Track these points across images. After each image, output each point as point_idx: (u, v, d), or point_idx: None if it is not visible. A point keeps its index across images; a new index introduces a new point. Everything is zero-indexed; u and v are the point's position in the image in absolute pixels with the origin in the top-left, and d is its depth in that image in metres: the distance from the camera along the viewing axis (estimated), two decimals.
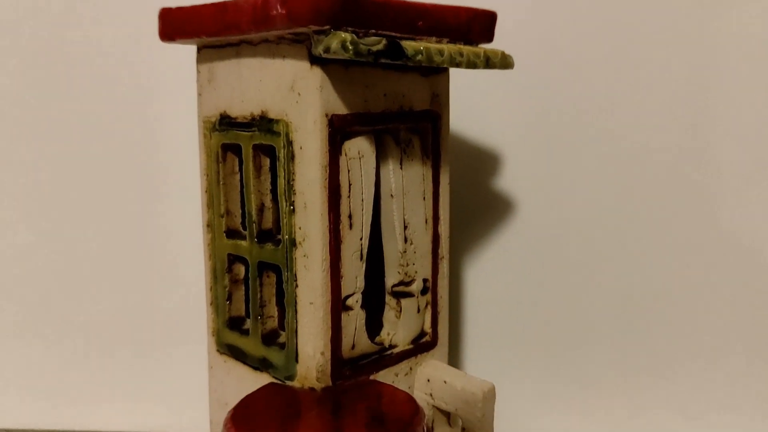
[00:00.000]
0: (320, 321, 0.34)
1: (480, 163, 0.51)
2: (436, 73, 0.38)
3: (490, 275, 0.52)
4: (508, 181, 0.51)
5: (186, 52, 0.40)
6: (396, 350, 0.38)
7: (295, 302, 0.35)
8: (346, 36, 0.30)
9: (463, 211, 0.51)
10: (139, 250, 0.52)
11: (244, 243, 0.38)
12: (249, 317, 0.39)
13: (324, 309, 0.34)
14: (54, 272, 0.53)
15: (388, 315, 0.39)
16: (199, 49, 0.38)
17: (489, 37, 0.38)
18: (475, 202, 0.51)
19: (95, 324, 0.54)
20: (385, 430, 0.31)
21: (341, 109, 0.33)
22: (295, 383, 0.35)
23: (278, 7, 0.30)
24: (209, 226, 0.40)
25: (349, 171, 0.34)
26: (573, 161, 0.50)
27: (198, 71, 0.39)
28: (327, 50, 0.30)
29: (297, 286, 0.35)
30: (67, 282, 0.53)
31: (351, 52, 0.30)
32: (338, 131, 0.34)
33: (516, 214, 0.51)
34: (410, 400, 0.34)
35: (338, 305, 0.35)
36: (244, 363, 0.38)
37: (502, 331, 0.52)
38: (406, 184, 0.37)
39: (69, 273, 0.53)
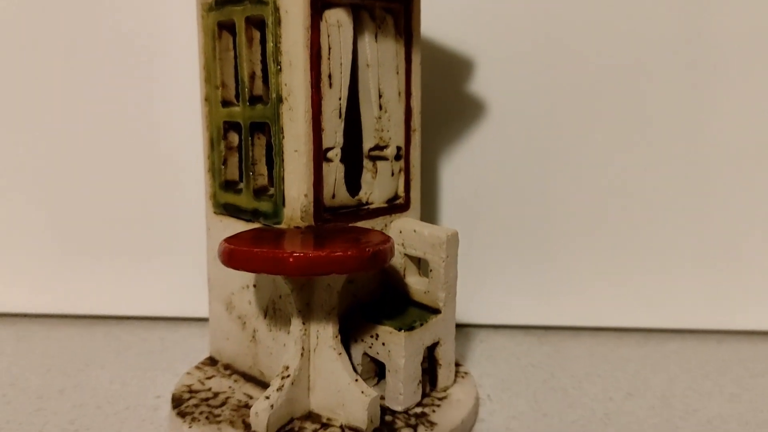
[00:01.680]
0: (304, 167, 0.39)
1: (457, 57, 0.56)
2: None
3: (466, 157, 0.56)
4: (484, 73, 0.56)
5: None
6: (372, 206, 0.44)
7: (282, 152, 0.40)
8: None
9: (441, 99, 0.55)
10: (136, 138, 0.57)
11: (237, 108, 0.43)
12: (242, 180, 0.44)
13: (307, 156, 0.39)
14: (55, 152, 0.58)
15: (366, 176, 0.44)
16: None
17: None
18: (453, 90, 0.56)
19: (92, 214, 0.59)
20: (360, 245, 0.36)
21: None
22: (282, 226, 0.40)
23: None
24: (207, 99, 0.45)
25: (329, 36, 0.39)
26: (548, 53, 0.55)
27: None
28: None
29: (283, 137, 0.40)
30: (65, 164, 0.58)
31: None
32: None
33: (491, 102, 0.56)
34: (383, 233, 0.39)
35: (319, 155, 0.40)
36: (238, 218, 0.43)
37: (475, 210, 0.57)
38: (381, 56, 0.42)
39: (67, 154, 0.58)
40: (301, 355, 0.39)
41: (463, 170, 0.56)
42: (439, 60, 0.55)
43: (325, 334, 0.39)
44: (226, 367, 0.46)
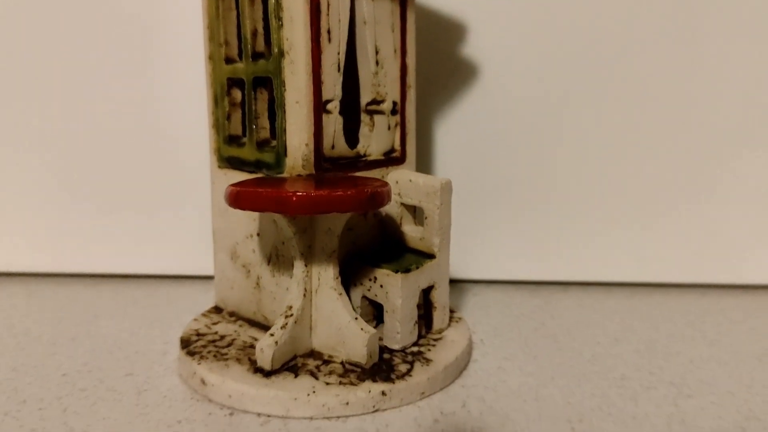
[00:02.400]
0: (304, 117, 0.41)
1: (451, 17, 0.58)
2: None
3: (459, 116, 0.59)
4: (477, 32, 0.58)
5: None
6: (370, 158, 0.46)
7: (284, 104, 0.42)
8: None
9: (436, 58, 0.57)
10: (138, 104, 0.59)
11: (240, 65, 0.45)
12: (245, 135, 0.46)
13: (308, 107, 0.41)
14: (61, 111, 0.60)
15: (363, 130, 0.46)
16: None
17: None
18: (447, 48, 0.58)
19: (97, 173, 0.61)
20: (359, 186, 0.38)
21: None
22: (285, 175, 0.42)
23: None
24: (211, 58, 0.47)
25: None
26: (542, 12, 0.57)
27: None
28: None
29: (285, 89, 0.42)
30: (71, 123, 0.60)
31: None
32: None
33: (485, 62, 0.58)
34: (381, 180, 0.41)
35: (319, 106, 0.42)
36: (242, 170, 0.45)
37: (468, 169, 0.59)
38: (377, 13, 0.44)
39: (72, 113, 0.59)
40: (304, 295, 0.41)
41: (456, 129, 0.58)
42: (434, 20, 0.57)
43: (326, 276, 0.41)
44: (231, 314, 0.48)
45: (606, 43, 0.57)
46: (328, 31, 0.42)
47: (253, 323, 0.47)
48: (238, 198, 0.37)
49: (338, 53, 0.42)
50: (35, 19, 0.58)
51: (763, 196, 0.58)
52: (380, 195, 0.38)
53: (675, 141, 0.58)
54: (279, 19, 0.41)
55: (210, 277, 0.60)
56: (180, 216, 0.60)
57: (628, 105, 0.57)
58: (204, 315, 0.48)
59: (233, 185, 0.39)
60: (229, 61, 0.46)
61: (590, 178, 0.59)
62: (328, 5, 0.41)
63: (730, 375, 0.44)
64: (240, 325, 0.46)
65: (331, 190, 0.36)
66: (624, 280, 0.61)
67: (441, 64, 0.58)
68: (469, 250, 0.60)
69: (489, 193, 0.59)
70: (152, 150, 0.60)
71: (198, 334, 0.45)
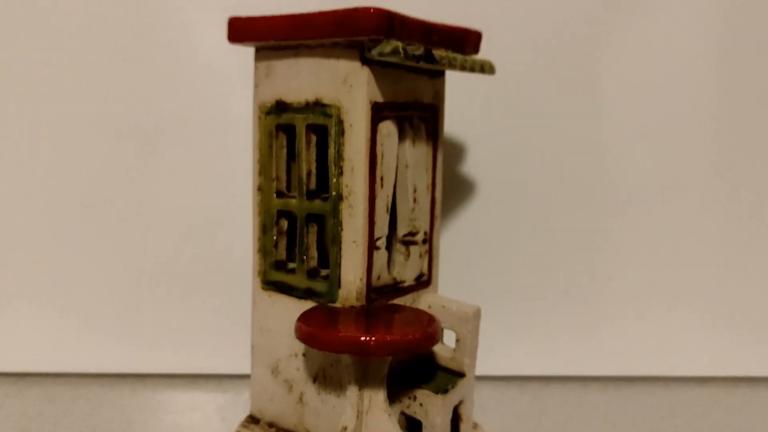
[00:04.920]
0: (360, 256, 0.46)
1: (462, 153, 0.64)
2: (438, 76, 0.51)
3: (465, 239, 0.65)
4: (480, 166, 0.64)
5: (239, 53, 0.52)
6: (404, 284, 0.51)
7: (340, 242, 0.46)
8: (398, 43, 0.42)
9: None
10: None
11: (293, 200, 0.49)
12: (290, 261, 0.50)
13: (363, 246, 0.46)
14: (107, 216, 0.62)
15: (399, 258, 0.51)
16: (257, 50, 0.50)
17: (477, 49, 0.51)
18: (458, 184, 0.64)
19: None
20: (422, 327, 0.43)
21: (379, 98, 0.46)
22: (337, 305, 0.47)
23: (351, 22, 0.42)
24: (260, 189, 0.51)
25: (382, 145, 0.46)
26: (529, 155, 0.64)
27: (256, 67, 0.50)
28: (382, 54, 0.42)
29: (342, 229, 0.46)
30: (115, 228, 0.62)
31: (401, 55, 0.42)
32: (376, 115, 0.46)
33: (488, 192, 0.64)
34: (426, 312, 0.47)
35: (372, 244, 0.47)
36: (290, 295, 0.49)
37: (476, 285, 0.65)
38: (417, 157, 0.50)
39: (117, 219, 0.62)
40: (357, 416, 0.46)
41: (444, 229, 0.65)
42: None
43: (377, 399, 0.46)
44: (270, 425, 0.52)
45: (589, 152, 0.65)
46: (381, 178, 0.47)
47: None
48: (312, 339, 0.42)
49: (387, 196, 0.48)
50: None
51: (712, 297, 0.67)
52: (438, 334, 0.43)
53: (651, 243, 0.66)
54: (339, 167, 0.46)
55: (218, 376, 0.63)
56: (178, 317, 0.63)
57: (604, 208, 0.65)
58: (244, 426, 0.52)
59: (304, 323, 0.43)
60: (279, 194, 0.50)
61: (564, 285, 0.66)
62: (383, 155, 0.47)
63: None
64: None
65: (403, 333, 0.41)
66: (597, 374, 0.68)
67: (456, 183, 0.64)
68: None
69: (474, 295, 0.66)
70: (160, 256, 0.63)
71: None
